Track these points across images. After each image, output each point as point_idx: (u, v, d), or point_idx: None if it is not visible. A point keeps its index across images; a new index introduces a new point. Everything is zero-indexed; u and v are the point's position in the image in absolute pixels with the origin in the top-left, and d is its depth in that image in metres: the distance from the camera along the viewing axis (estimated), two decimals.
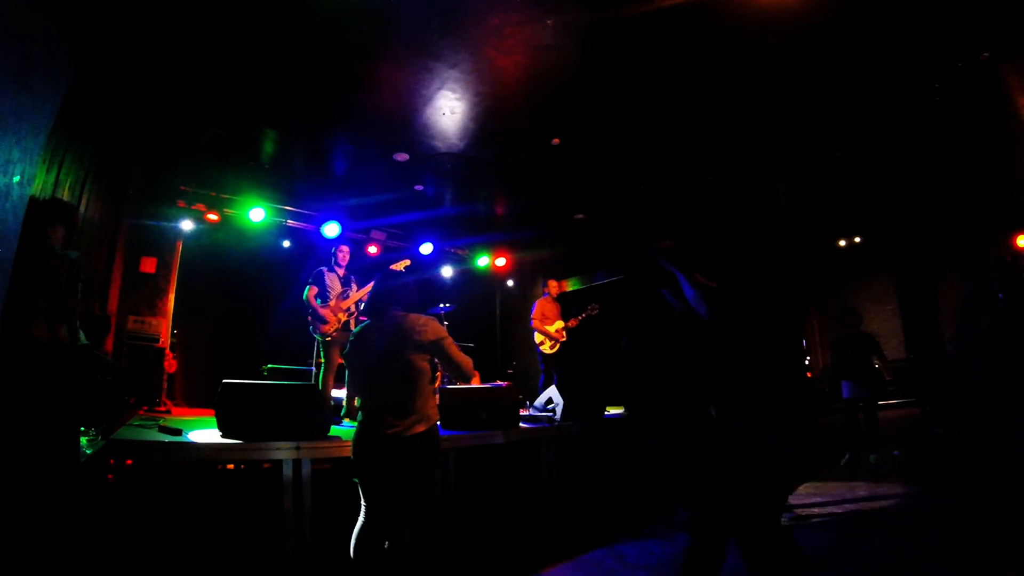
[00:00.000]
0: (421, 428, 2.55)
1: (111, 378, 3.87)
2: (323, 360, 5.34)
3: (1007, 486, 4.54)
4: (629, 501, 4.81)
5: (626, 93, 4.87)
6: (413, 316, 2.68)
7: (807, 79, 4.66)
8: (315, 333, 5.29)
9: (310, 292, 5.29)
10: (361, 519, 2.64)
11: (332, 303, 5.28)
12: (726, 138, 5.70)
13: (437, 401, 2.77)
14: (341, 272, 5.51)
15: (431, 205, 7.60)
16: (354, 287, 5.45)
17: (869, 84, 4.76)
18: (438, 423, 2.69)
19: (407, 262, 5.20)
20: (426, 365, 2.63)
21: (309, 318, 5.29)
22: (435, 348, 2.65)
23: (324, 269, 5.44)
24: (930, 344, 8.20)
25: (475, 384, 7.46)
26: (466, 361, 2.76)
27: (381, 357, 2.63)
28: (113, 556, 2.76)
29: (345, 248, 5.64)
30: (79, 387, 2.95)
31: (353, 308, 5.37)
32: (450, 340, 2.71)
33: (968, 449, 5.43)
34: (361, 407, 2.71)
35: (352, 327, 5.24)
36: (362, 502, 2.64)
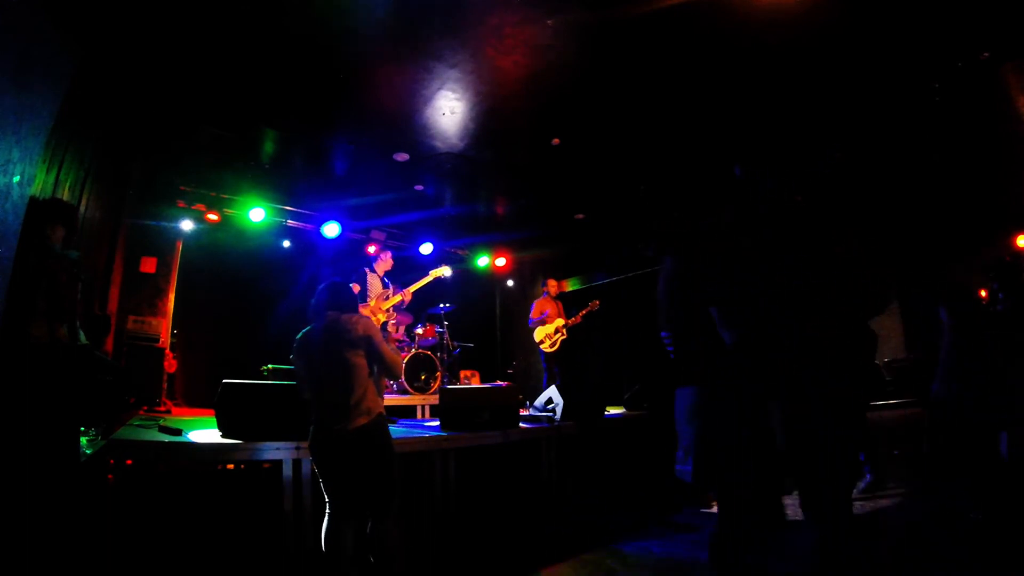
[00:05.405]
0: (363, 421, 2.66)
1: (111, 378, 3.86)
2: None
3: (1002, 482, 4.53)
4: (629, 501, 4.81)
5: (626, 93, 4.86)
6: (346, 316, 2.81)
7: (807, 79, 4.66)
8: None
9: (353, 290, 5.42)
10: (327, 514, 2.75)
11: (372, 303, 5.34)
12: (725, 137, 5.70)
13: (381, 393, 2.86)
14: (380, 275, 5.65)
15: (431, 205, 7.59)
16: (392, 289, 5.57)
17: (869, 84, 4.76)
18: (382, 414, 2.80)
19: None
20: (362, 361, 2.74)
21: None
22: (365, 344, 2.75)
23: (367, 270, 5.56)
24: (930, 344, 8.17)
25: (475, 384, 7.50)
26: (395, 359, 2.91)
27: (321, 358, 2.76)
28: (113, 556, 2.76)
29: (387, 255, 5.80)
30: (79, 387, 2.95)
31: (392, 310, 5.44)
32: (380, 337, 2.84)
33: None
34: (311, 408, 2.81)
35: (391, 328, 5.35)
36: (326, 498, 2.75)
